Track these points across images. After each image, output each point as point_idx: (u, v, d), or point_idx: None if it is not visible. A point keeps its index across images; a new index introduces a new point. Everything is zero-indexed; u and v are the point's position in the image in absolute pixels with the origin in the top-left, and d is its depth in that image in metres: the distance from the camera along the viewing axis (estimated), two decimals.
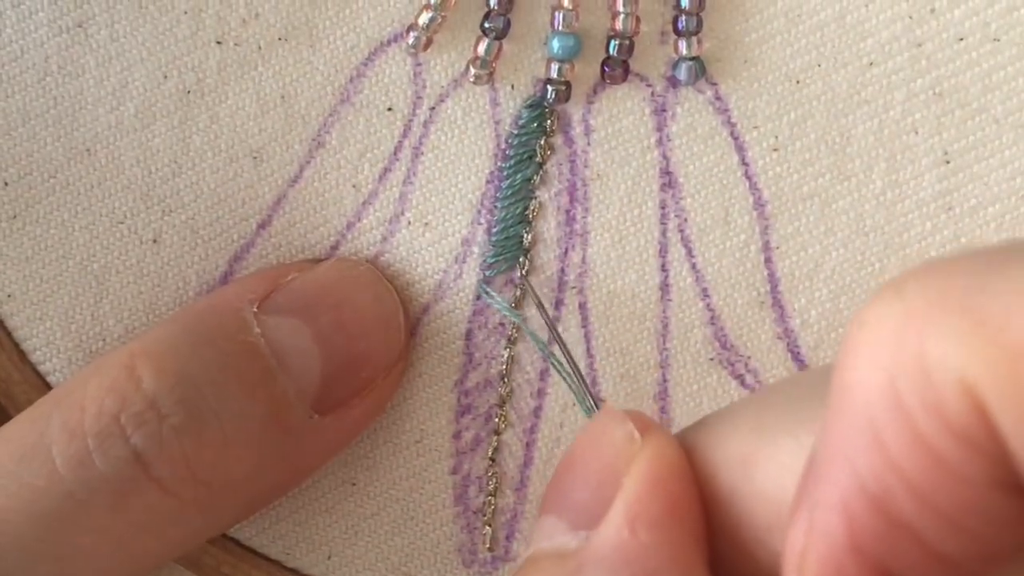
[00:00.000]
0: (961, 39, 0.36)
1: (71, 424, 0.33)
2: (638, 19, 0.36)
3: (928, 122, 0.36)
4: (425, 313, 0.37)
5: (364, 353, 0.35)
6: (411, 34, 0.36)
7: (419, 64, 0.36)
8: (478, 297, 0.37)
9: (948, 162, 0.36)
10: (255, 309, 0.35)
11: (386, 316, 0.36)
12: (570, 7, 0.35)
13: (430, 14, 0.35)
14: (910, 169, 0.36)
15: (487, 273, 0.37)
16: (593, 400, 0.34)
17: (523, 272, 0.37)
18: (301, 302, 0.35)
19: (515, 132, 0.36)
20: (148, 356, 0.34)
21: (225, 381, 0.34)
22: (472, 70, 0.36)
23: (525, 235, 0.37)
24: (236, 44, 0.36)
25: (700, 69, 0.36)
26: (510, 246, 0.37)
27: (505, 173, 0.37)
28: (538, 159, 0.37)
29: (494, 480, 0.38)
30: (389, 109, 0.36)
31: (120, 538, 0.33)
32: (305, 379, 0.34)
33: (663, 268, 0.37)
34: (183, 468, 0.33)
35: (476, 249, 0.37)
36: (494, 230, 0.37)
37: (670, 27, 0.36)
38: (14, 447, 0.33)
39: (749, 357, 0.37)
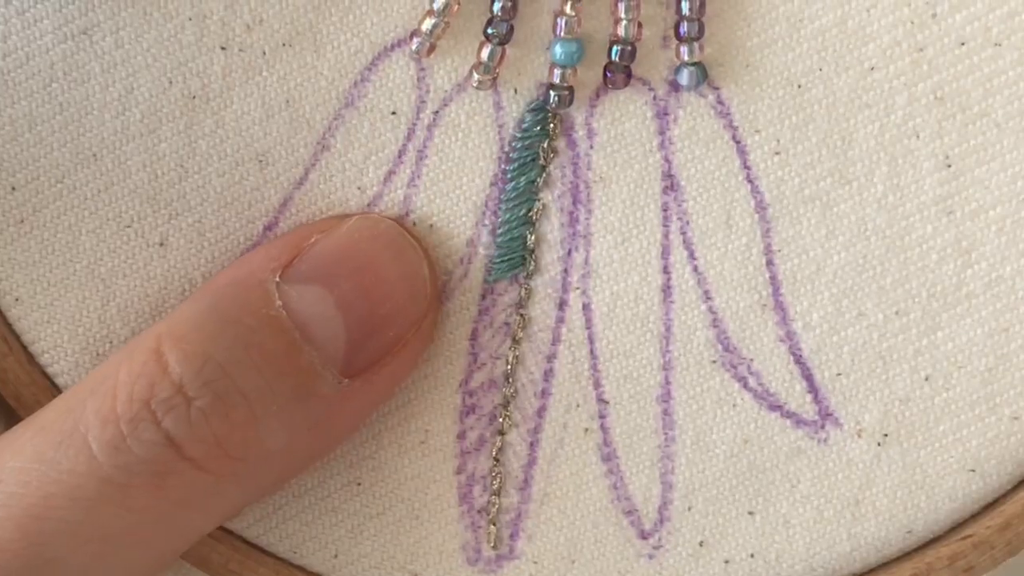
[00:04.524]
0: (963, 43, 0.36)
1: (104, 411, 0.34)
2: (640, 25, 0.36)
3: (929, 126, 0.36)
4: None
5: (389, 314, 0.36)
6: (415, 39, 0.36)
7: (423, 69, 0.36)
8: (483, 296, 0.37)
9: (949, 166, 0.36)
10: (277, 279, 0.35)
11: (410, 274, 0.36)
12: (572, 13, 0.35)
13: (433, 20, 0.35)
14: (911, 173, 0.36)
15: (492, 275, 0.37)
16: None
17: (527, 273, 0.37)
18: (323, 268, 0.35)
19: (518, 136, 0.36)
20: (175, 339, 0.34)
21: (250, 359, 0.34)
22: (475, 75, 0.36)
23: (529, 237, 0.37)
24: (240, 50, 0.36)
25: (702, 74, 0.36)
26: (514, 247, 0.37)
27: (509, 176, 0.37)
28: (541, 162, 0.37)
29: (498, 480, 0.38)
30: (393, 113, 0.37)
31: (162, 515, 0.34)
32: (331, 347, 0.35)
33: (665, 270, 0.37)
34: (215, 448, 0.34)
35: (481, 250, 0.37)
36: (498, 232, 0.37)
37: (672, 32, 0.36)
38: (51, 434, 0.34)
39: (751, 360, 0.37)
